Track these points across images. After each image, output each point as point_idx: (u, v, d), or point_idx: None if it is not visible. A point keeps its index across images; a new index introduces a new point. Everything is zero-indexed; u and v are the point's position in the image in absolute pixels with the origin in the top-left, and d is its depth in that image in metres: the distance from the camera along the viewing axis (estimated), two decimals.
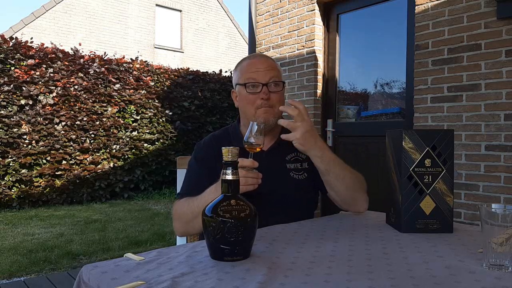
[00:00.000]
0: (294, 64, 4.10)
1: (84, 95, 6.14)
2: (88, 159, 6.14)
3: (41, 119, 5.71)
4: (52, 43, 6.38)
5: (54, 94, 5.83)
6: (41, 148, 5.67)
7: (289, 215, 1.30)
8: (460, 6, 2.86)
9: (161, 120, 7.09)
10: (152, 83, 7.02)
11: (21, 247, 3.74)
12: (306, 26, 3.99)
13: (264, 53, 4.41)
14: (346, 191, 1.32)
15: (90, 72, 6.26)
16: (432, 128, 2.98)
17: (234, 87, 1.44)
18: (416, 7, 3.12)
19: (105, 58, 6.55)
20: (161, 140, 7.09)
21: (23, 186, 5.57)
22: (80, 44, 6.74)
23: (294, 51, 4.11)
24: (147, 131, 6.89)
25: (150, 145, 6.91)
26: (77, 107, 6.05)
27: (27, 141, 5.57)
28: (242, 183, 0.96)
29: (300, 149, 1.26)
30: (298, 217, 1.32)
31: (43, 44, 6.05)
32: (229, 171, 0.91)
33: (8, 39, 5.66)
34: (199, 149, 1.46)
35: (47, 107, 5.76)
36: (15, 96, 5.50)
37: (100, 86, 6.34)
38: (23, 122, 5.55)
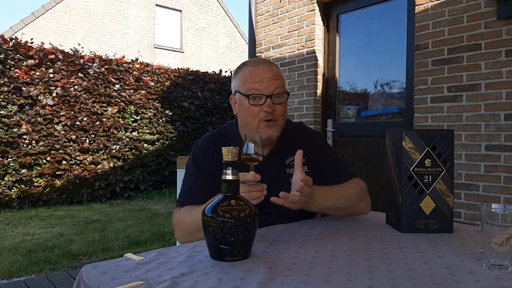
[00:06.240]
0: (294, 64, 4.10)
1: (84, 96, 6.13)
2: (88, 159, 6.14)
3: (41, 119, 5.70)
4: (51, 44, 6.37)
5: (54, 94, 5.83)
6: (41, 148, 5.67)
7: (292, 220, 1.29)
8: (460, 6, 2.86)
9: (161, 121, 7.08)
10: (152, 83, 7.02)
11: (21, 247, 3.73)
12: (306, 26, 3.99)
13: (264, 54, 4.42)
14: (349, 211, 1.35)
15: (90, 73, 6.25)
16: (432, 128, 2.98)
17: (233, 93, 1.36)
18: (416, 7, 3.12)
19: (105, 58, 6.54)
20: (161, 141, 7.09)
21: (23, 186, 5.57)
22: (82, 47, 6.70)
23: (294, 51, 4.11)
24: (147, 131, 6.88)
25: (150, 146, 6.90)
26: (77, 107, 6.04)
27: (27, 141, 5.56)
28: (247, 198, 0.94)
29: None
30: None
31: (43, 44, 6.05)
32: (229, 171, 0.91)
33: (8, 39, 5.65)
34: (197, 153, 1.38)
35: (47, 107, 5.76)
36: (15, 96, 5.50)
37: (100, 86, 6.33)
38: (23, 122, 5.54)
